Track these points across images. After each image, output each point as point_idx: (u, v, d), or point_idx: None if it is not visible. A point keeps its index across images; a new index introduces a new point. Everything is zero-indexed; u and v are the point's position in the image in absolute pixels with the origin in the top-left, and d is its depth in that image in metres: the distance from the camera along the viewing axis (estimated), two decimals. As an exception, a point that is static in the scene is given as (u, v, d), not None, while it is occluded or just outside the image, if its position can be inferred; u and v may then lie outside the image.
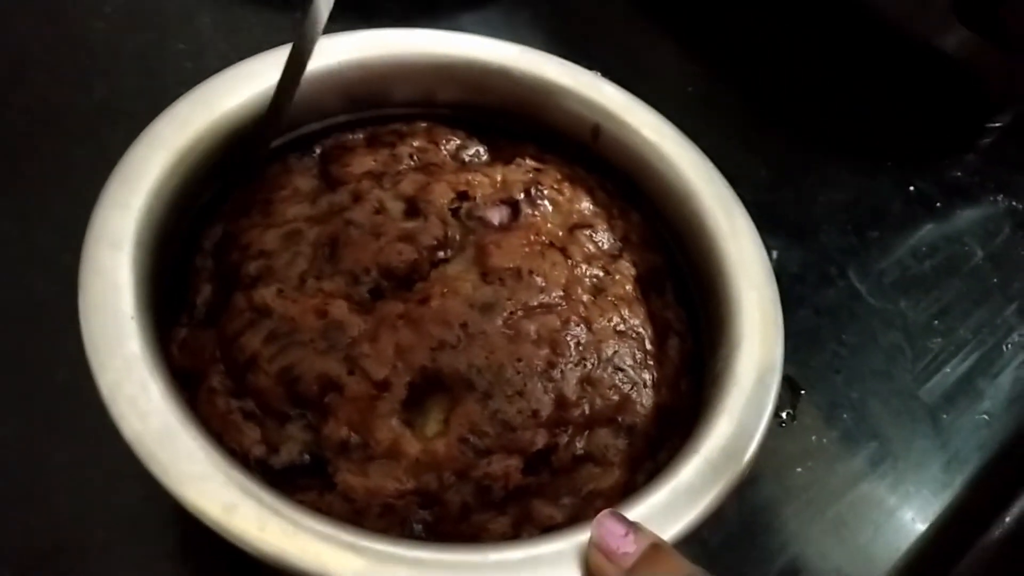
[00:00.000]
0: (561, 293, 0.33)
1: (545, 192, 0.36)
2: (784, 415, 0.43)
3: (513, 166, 0.37)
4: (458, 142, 0.38)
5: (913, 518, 0.41)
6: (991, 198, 0.56)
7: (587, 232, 0.36)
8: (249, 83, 0.35)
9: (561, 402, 0.30)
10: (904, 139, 0.58)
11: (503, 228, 0.34)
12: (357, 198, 0.34)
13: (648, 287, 0.36)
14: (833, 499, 0.41)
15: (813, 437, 0.43)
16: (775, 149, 0.54)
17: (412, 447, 0.29)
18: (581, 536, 0.26)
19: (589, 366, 0.31)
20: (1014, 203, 0.56)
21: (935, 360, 0.47)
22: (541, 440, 0.30)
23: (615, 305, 0.34)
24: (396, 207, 0.34)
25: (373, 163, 0.36)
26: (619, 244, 0.36)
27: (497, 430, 0.29)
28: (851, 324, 0.47)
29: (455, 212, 0.34)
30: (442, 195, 0.34)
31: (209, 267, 0.33)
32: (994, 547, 0.39)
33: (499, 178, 0.36)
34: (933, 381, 0.46)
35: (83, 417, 0.27)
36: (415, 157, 0.37)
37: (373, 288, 0.31)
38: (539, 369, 0.30)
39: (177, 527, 0.34)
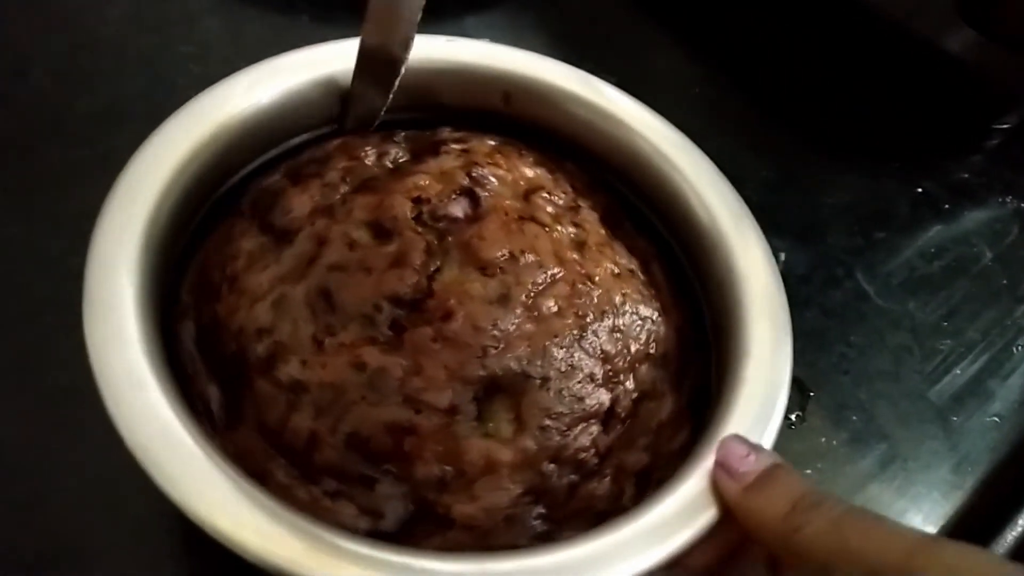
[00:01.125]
0: (554, 260, 0.32)
1: (485, 170, 0.35)
2: (793, 417, 0.43)
3: (442, 155, 0.36)
4: (376, 149, 0.36)
5: (923, 520, 0.41)
6: (999, 199, 0.56)
7: (542, 195, 0.35)
8: (256, 89, 0.35)
9: (606, 358, 0.31)
10: (911, 140, 0.58)
11: (471, 219, 0.33)
12: (322, 241, 0.32)
13: (612, 226, 0.36)
14: (843, 501, 0.40)
15: (822, 439, 0.42)
16: (781, 150, 0.54)
17: (504, 454, 0.29)
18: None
19: (611, 316, 0.32)
20: (1022, 204, 0.56)
21: (944, 361, 0.47)
22: (606, 398, 0.31)
23: (601, 252, 0.34)
24: (364, 236, 0.32)
25: (311, 200, 0.33)
26: (572, 195, 0.36)
27: (568, 406, 0.30)
28: (859, 325, 0.47)
29: (419, 219, 0.33)
30: (400, 207, 0.32)
31: (202, 367, 0.31)
32: (1008, 550, 0.39)
33: (438, 171, 0.35)
34: (943, 383, 0.46)
35: (88, 418, 0.26)
36: (347, 179, 0.34)
37: (391, 323, 0.30)
38: (576, 337, 0.31)
39: (182, 529, 0.34)
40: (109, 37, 0.49)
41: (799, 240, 0.50)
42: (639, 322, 0.33)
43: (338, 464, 0.28)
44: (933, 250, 0.52)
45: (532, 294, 0.31)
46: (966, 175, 0.57)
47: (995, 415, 0.45)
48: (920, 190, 0.55)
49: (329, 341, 0.29)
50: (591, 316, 0.32)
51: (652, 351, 0.33)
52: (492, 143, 0.37)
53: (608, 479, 0.30)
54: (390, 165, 0.36)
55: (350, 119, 0.37)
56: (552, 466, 0.29)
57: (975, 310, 0.49)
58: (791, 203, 0.52)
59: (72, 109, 0.45)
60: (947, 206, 0.55)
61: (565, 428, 0.30)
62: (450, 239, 0.32)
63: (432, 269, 0.31)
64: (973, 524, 0.41)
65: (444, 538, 0.28)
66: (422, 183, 0.33)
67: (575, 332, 0.31)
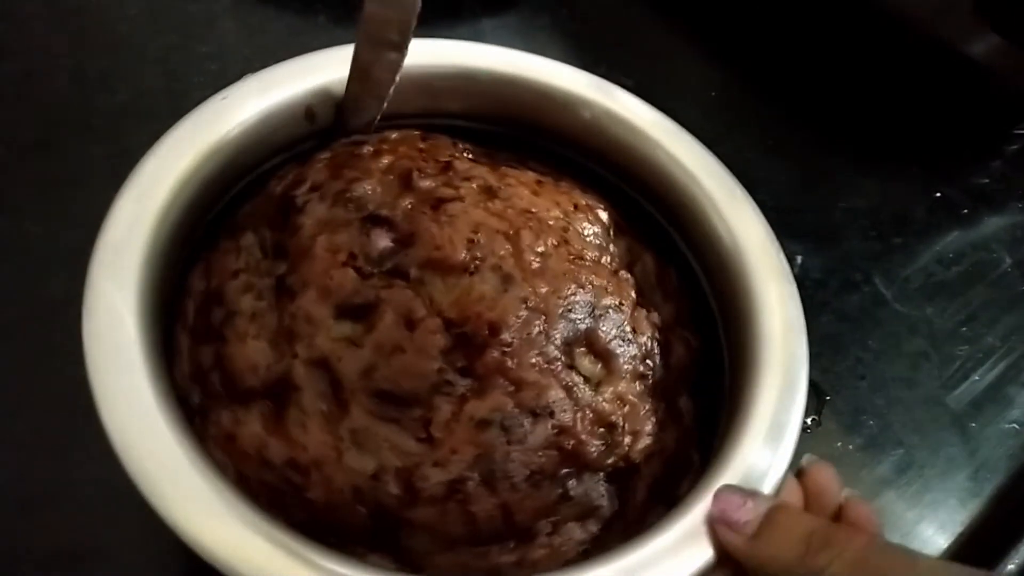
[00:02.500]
0: (508, 225, 0.32)
1: (365, 184, 0.34)
2: (809, 421, 0.42)
3: (386, 157, 0.35)
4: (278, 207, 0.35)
5: (940, 527, 0.41)
6: (1018, 205, 0.56)
7: (454, 169, 0.34)
8: (271, 92, 0.35)
9: (626, 273, 0.34)
10: (929, 145, 0.57)
11: (404, 240, 0.31)
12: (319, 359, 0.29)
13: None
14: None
15: (838, 444, 0.42)
16: (798, 154, 0.54)
17: (622, 386, 0.31)
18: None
19: (591, 251, 0.33)
20: (1042, 210, 0.55)
21: (962, 367, 0.46)
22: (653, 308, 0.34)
23: (544, 200, 0.34)
24: (347, 328, 0.29)
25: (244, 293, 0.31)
26: (484, 164, 0.36)
27: (639, 328, 0.32)
28: (876, 330, 0.47)
29: (367, 276, 0.30)
30: (341, 280, 0.30)
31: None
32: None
33: (328, 218, 0.33)
34: (960, 389, 0.45)
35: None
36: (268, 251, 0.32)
37: (459, 370, 0.29)
38: (592, 273, 0.32)
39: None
40: (128, 36, 0.50)
41: (816, 244, 0.49)
42: (602, 246, 0.34)
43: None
44: (951, 255, 0.51)
45: (535, 264, 0.31)
46: (985, 180, 0.56)
47: (1014, 422, 0.45)
48: (939, 195, 0.54)
49: (436, 430, 0.28)
50: (587, 254, 0.33)
51: (637, 267, 0.34)
52: (406, 134, 0.36)
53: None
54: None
55: (345, 129, 0.36)
56: (661, 370, 0.32)
57: (994, 316, 0.49)
58: (808, 207, 0.51)
59: (91, 107, 0.46)
60: (966, 211, 0.54)
61: (651, 338, 0.32)
62: (411, 271, 0.30)
63: (431, 306, 0.29)
64: (990, 532, 0.41)
65: None
66: (339, 240, 0.31)
67: (588, 269, 0.32)
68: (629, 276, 0.34)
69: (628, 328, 0.32)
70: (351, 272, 0.30)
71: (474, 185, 0.33)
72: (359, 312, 0.29)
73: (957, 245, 0.52)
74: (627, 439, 0.30)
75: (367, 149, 0.35)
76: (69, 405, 0.35)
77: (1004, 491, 0.42)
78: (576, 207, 0.35)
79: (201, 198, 0.33)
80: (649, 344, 0.32)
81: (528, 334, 0.29)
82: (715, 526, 0.26)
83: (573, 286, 0.31)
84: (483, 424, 0.28)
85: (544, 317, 0.30)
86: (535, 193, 0.34)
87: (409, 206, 0.32)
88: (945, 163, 0.56)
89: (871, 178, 0.54)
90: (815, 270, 0.48)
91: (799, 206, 0.51)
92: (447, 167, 0.34)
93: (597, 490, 0.30)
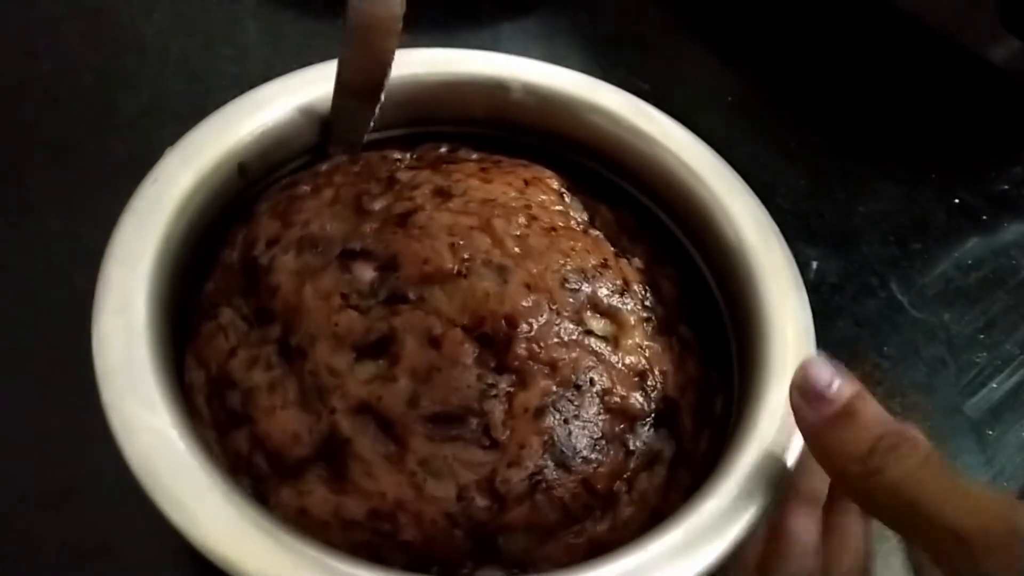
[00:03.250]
0: (477, 219, 0.32)
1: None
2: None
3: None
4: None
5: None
6: (1039, 212, 0.55)
7: (399, 181, 0.34)
8: (289, 96, 0.35)
9: (594, 230, 0.35)
10: (949, 150, 0.57)
11: (390, 263, 0.31)
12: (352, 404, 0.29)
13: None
14: (873, 513, 0.40)
15: (853, 449, 0.42)
16: (816, 158, 0.54)
17: (636, 335, 0.32)
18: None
19: (559, 219, 0.34)
20: (1063, 218, 0.55)
21: (980, 374, 0.46)
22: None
23: (496, 185, 0.34)
24: (368, 368, 0.29)
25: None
26: (424, 167, 0.36)
27: (628, 277, 0.33)
28: (893, 336, 0.46)
29: (361, 310, 0.30)
30: (328, 320, 0.30)
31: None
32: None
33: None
34: (978, 396, 0.45)
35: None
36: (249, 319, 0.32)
37: (494, 367, 0.29)
38: (569, 239, 0.33)
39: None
40: (152, 38, 0.50)
41: (833, 248, 0.49)
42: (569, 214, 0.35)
43: None
44: (970, 262, 0.51)
45: (504, 244, 0.31)
46: (1006, 187, 0.56)
47: (1033, 430, 0.44)
48: (957, 200, 0.54)
49: (497, 433, 0.28)
50: (560, 227, 0.33)
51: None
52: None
53: None
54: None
55: (333, 144, 0.36)
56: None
57: (1013, 323, 0.48)
58: (825, 211, 0.51)
59: (114, 107, 0.46)
60: (985, 217, 0.54)
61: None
62: (409, 292, 0.30)
63: (445, 320, 0.29)
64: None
65: None
66: (324, 285, 0.30)
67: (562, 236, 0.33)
68: (597, 232, 0.35)
69: (619, 281, 0.33)
70: (353, 312, 0.29)
71: (426, 191, 0.33)
72: (377, 348, 0.29)
73: (976, 251, 0.52)
74: (659, 380, 0.32)
75: (303, 189, 0.34)
76: (86, 401, 0.36)
77: (1021, 499, 0.41)
78: (527, 182, 0.35)
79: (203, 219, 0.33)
80: (641, 289, 0.33)
81: (542, 316, 0.30)
82: (795, 398, 0.26)
83: (560, 257, 0.31)
84: (539, 412, 0.29)
85: (549, 295, 0.30)
86: (485, 181, 0.34)
87: (375, 230, 0.31)
88: (965, 169, 0.56)
89: (889, 183, 0.54)
90: (832, 275, 0.48)
91: (816, 210, 0.51)
92: (391, 181, 0.34)
93: (652, 436, 0.31)
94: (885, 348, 0.46)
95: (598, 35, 0.58)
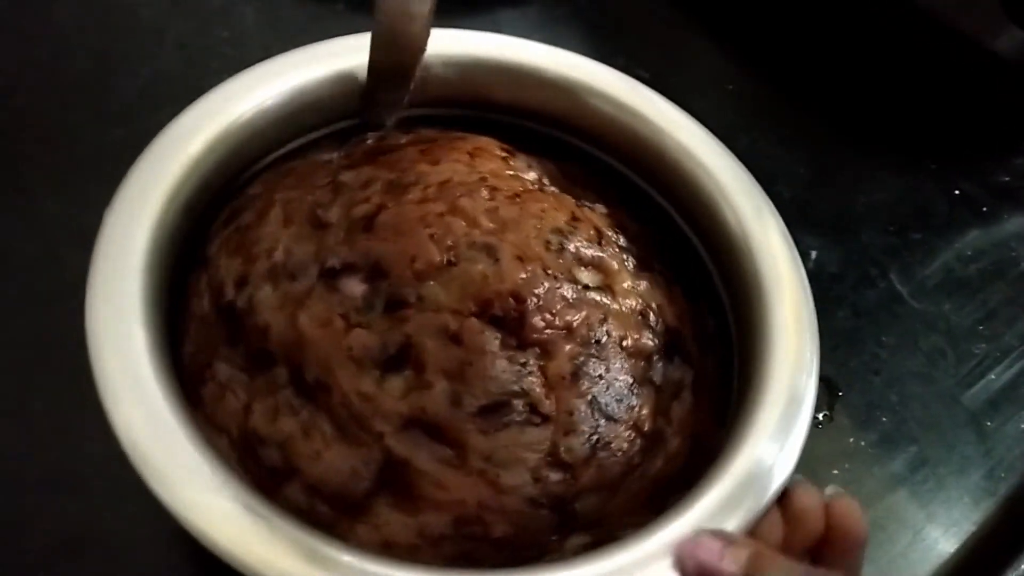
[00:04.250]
0: (442, 204, 0.31)
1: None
2: (820, 416, 0.42)
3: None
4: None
5: (953, 525, 0.40)
6: (1040, 204, 0.55)
7: (344, 184, 0.34)
8: (284, 76, 0.35)
9: (549, 186, 0.35)
10: (950, 140, 0.57)
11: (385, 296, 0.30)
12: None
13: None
14: (870, 502, 0.40)
15: (851, 439, 0.42)
16: (816, 147, 0.53)
17: (624, 278, 0.33)
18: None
19: (515, 183, 0.34)
20: (1064, 209, 0.54)
21: (979, 365, 0.46)
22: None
23: (445, 165, 0.34)
24: (393, 386, 0.29)
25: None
26: (363, 164, 0.35)
27: (598, 225, 0.34)
28: (892, 326, 0.46)
29: (365, 327, 0.29)
30: (338, 349, 0.29)
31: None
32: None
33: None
34: (977, 387, 0.45)
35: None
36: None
37: (517, 345, 0.29)
38: (532, 201, 0.33)
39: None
40: (149, 22, 0.50)
41: (833, 238, 0.49)
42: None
43: None
44: (970, 253, 0.51)
45: (479, 223, 0.31)
46: (1007, 178, 0.55)
47: (1031, 422, 0.44)
48: (958, 191, 0.54)
49: (544, 408, 0.29)
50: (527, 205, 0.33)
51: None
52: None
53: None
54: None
55: (371, 113, 0.36)
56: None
57: (1012, 315, 0.48)
58: (825, 200, 0.51)
59: (111, 91, 0.46)
60: (985, 209, 0.53)
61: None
62: (408, 295, 0.29)
63: (455, 312, 0.29)
64: (1004, 532, 0.40)
65: None
66: (319, 311, 0.29)
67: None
68: (552, 188, 0.35)
69: (592, 231, 0.33)
70: (360, 331, 0.29)
71: (377, 188, 0.32)
72: (399, 360, 0.28)
73: (976, 242, 0.52)
74: (658, 315, 0.33)
75: (247, 218, 0.33)
76: (80, 387, 0.36)
77: (1019, 491, 0.42)
78: (471, 154, 0.35)
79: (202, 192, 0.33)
80: (612, 234, 0.34)
81: (543, 284, 0.30)
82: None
83: (535, 221, 0.32)
84: (574, 376, 0.29)
85: (541, 262, 0.30)
86: (432, 163, 0.33)
87: (343, 240, 0.30)
88: (966, 159, 0.56)
89: (890, 173, 0.53)
90: (832, 264, 0.48)
91: (816, 200, 0.51)
92: (335, 186, 0.33)
93: (669, 368, 0.32)
94: (884, 338, 0.46)
95: (598, 22, 0.58)
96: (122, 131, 0.43)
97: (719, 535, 0.25)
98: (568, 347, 0.29)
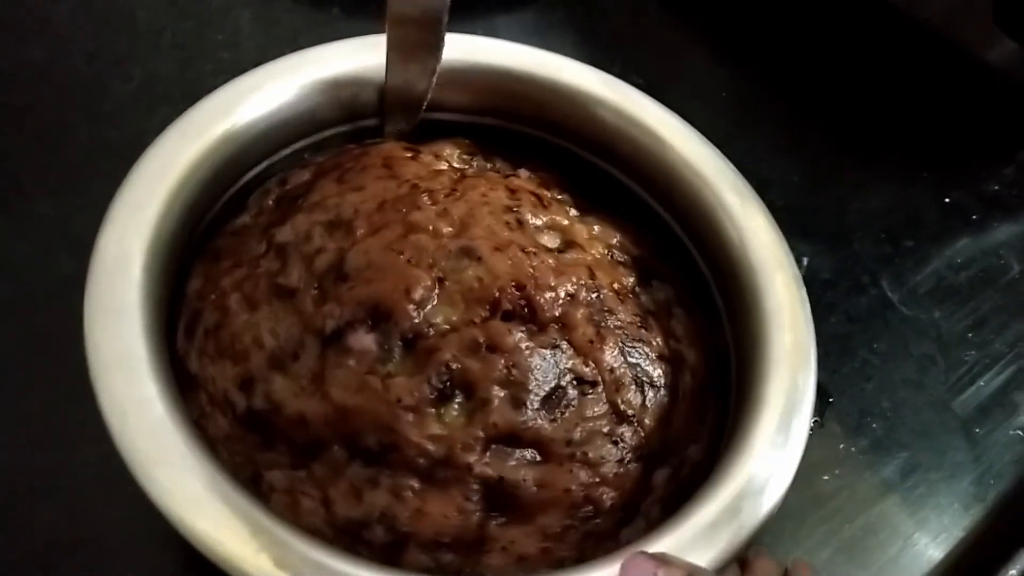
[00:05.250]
0: (399, 229, 0.31)
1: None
2: (812, 422, 0.42)
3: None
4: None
5: (943, 531, 0.40)
6: (1030, 212, 0.55)
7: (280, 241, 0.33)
8: (282, 79, 0.35)
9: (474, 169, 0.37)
10: (941, 149, 0.57)
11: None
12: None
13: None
14: (861, 508, 0.40)
15: (841, 445, 0.42)
16: (809, 155, 0.54)
17: (578, 228, 0.34)
18: None
19: (442, 179, 0.34)
20: (1054, 219, 0.55)
21: (969, 372, 0.46)
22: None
23: (372, 188, 0.33)
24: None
25: None
26: (286, 207, 0.34)
27: (536, 190, 0.35)
28: (883, 333, 0.46)
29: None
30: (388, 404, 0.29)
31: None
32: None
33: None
34: (967, 393, 0.45)
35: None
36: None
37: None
38: (472, 190, 0.33)
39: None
40: (144, 23, 0.50)
41: (825, 245, 0.49)
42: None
43: None
44: (960, 260, 0.51)
45: (440, 232, 0.31)
46: (997, 187, 0.56)
47: (1020, 428, 0.44)
48: (949, 200, 0.54)
49: (593, 375, 0.30)
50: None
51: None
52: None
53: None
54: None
55: (390, 119, 0.36)
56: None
57: (1002, 322, 0.49)
58: (818, 207, 0.51)
59: (106, 92, 0.46)
60: (976, 217, 0.54)
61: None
62: (421, 327, 0.29)
63: (480, 325, 0.29)
64: (994, 538, 0.40)
65: None
66: (345, 377, 0.28)
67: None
68: (471, 169, 0.36)
69: (531, 197, 0.34)
70: (398, 380, 0.28)
71: (320, 232, 0.31)
72: (447, 391, 0.28)
73: (967, 251, 0.52)
74: (622, 250, 0.35)
75: (210, 319, 0.31)
76: (73, 388, 0.36)
77: (1008, 497, 0.42)
78: (387, 166, 0.34)
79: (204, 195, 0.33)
80: (546, 192, 0.35)
81: (528, 264, 0.30)
82: None
83: (486, 207, 0.32)
84: (598, 337, 0.30)
85: (514, 244, 0.31)
86: (356, 189, 0.33)
87: (322, 300, 0.29)
88: (957, 168, 0.56)
89: (882, 181, 0.54)
90: (824, 271, 0.48)
91: (809, 207, 0.51)
92: (277, 250, 0.31)
93: (653, 292, 0.34)
94: (875, 344, 0.46)
95: (594, 29, 0.58)
96: (116, 132, 0.43)
97: (656, 556, 0.24)
98: (580, 312, 0.30)
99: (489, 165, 0.37)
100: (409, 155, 0.35)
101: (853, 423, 0.43)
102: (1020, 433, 0.44)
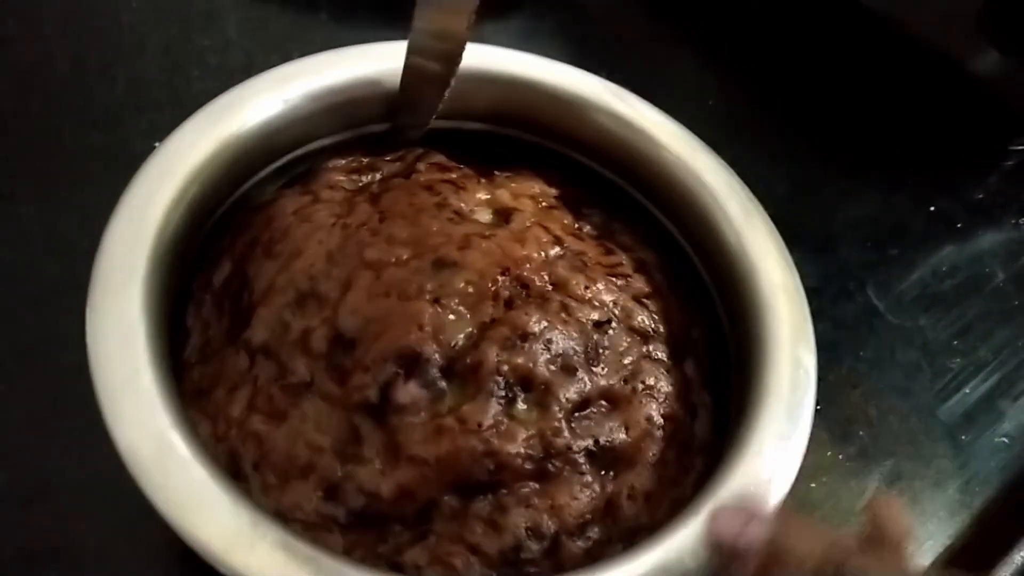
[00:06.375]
0: (342, 263, 0.31)
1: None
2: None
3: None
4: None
5: (929, 538, 0.41)
6: (1013, 221, 0.56)
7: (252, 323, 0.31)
8: (281, 87, 0.34)
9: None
10: (926, 157, 0.57)
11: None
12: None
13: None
14: (848, 516, 0.40)
15: (828, 452, 0.42)
16: (796, 163, 0.54)
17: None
18: None
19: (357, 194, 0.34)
20: (1037, 226, 0.55)
21: (955, 379, 0.46)
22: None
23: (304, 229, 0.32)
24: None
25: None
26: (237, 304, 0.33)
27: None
28: (869, 340, 0.47)
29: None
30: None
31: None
32: (1017, 571, 0.38)
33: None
34: (952, 400, 0.45)
35: (92, 403, 0.26)
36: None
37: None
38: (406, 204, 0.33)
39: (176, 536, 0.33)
40: (130, 27, 0.49)
41: (812, 252, 0.49)
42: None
43: None
44: (945, 268, 0.51)
45: (401, 253, 0.30)
46: (981, 195, 0.56)
47: (1005, 436, 0.45)
48: (934, 208, 0.54)
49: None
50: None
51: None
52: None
53: None
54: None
55: (402, 123, 0.36)
56: None
57: (987, 329, 0.49)
58: (805, 215, 0.51)
59: (91, 96, 0.46)
60: (960, 225, 0.54)
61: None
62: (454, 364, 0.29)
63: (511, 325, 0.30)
64: (980, 544, 0.41)
65: None
66: (419, 430, 0.28)
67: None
68: (389, 175, 0.35)
69: (445, 184, 0.34)
70: (464, 409, 0.28)
71: (289, 312, 0.30)
72: (510, 394, 0.28)
73: (952, 258, 0.52)
74: (546, 196, 0.36)
75: (237, 436, 0.29)
76: (61, 394, 0.35)
77: (993, 504, 0.42)
78: (316, 199, 0.33)
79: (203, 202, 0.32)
80: (455, 166, 0.36)
81: (496, 247, 0.31)
82: (715, 556, 0.25)
83: (424, 214, 0.32)
84: (589, 280, 0.32)
85: (471, 235, 0.31)
86: (296, 255, 0.31)
87: (338, 375, 0.28)
88: (942, 176, 0.56)
89: (868, 189, 0.54)
90: (811, 278, 0.48)
91: (796, 215, 0.51)
92: (261, 352, 0.29)
93: (590, 214, 0.36)
94: (862, 352, 0.46)
95: (581, 36, 0.58)
96: (102, 137, 0.43)
97: (742, 508, 0.26)
98: (561, 267, 0.32)
99: (379, 175, 0.36)
100: (308, 198, 0.33)
101: (840, 430, 0.43)
102: (1006, 440, 0.45)
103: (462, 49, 0.33)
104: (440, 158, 0.36)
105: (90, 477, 0.33)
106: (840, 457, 0.42)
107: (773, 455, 0.29)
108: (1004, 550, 0.39)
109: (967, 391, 0.46)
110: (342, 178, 0.35)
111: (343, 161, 0.36)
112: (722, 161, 0.37)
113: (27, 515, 0.33)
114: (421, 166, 0.35)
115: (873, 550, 0.27)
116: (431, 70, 0.33)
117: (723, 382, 0.34)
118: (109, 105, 0.45)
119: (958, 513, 0.42)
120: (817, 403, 0.43)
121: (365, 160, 0.36)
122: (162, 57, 0.48)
